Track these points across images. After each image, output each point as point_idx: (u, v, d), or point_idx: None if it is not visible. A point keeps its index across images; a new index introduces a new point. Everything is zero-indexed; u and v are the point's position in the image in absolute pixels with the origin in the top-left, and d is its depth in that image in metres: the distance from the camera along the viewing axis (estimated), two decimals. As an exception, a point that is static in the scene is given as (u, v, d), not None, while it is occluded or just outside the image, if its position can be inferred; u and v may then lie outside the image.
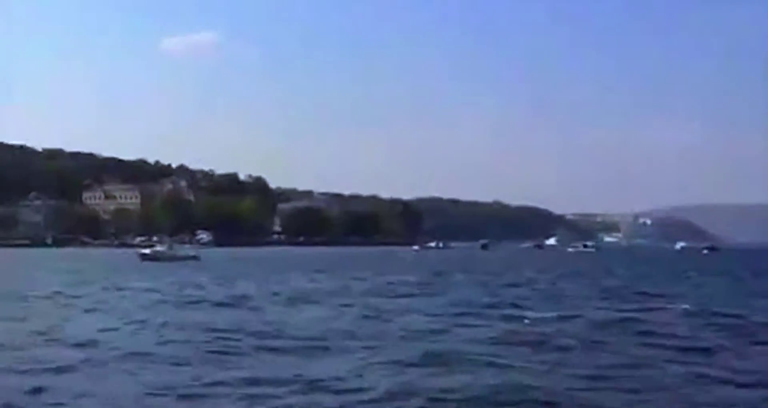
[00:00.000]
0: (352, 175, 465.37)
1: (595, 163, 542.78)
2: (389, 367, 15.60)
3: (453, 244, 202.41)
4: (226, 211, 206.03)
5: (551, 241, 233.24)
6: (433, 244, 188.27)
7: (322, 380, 14.22)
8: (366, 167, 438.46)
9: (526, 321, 24.00)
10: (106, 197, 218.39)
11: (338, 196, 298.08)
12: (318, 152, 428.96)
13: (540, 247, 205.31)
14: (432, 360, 16.27)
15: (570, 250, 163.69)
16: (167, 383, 14.12)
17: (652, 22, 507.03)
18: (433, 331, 21.52)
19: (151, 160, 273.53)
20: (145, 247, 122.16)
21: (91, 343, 19.22)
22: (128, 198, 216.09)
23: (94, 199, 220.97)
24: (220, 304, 31.03)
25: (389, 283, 46.44)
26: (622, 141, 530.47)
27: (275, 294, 36.32)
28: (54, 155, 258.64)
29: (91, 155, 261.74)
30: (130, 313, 27.40)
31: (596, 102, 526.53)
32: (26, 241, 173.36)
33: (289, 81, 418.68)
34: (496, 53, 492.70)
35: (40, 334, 20.87)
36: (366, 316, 25.59)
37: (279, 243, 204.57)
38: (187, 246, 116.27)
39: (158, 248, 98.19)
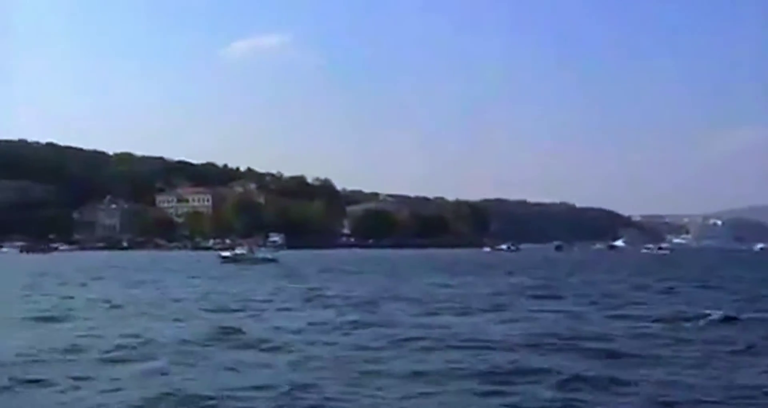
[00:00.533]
0: (418, 177, 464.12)
1: (662, 165, 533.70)
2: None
3: (522, 246, 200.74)
4: (297, 213, 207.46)
5: (619, 242, 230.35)
6: (504, 247, 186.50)
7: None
8: (431, 169, 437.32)
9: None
10: (179, 200, 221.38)
11: (405, 198, 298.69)
12: (383, 155, 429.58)
13: (613, 248, 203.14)
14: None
15: (644, 251, 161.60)
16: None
17: (715, 21, 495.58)
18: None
19: (219, 163, 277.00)
20: (220, 249, 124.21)
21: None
22: (200, 201, 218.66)
23: (167, 202, 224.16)
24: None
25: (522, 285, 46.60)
26: (690, 142, 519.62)
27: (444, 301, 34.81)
28: (125, 159, 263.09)
29: (161, 159, 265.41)
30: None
31: (663, 103, 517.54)
32: (102, 244, 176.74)
33: (353, 84, 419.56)
34: (556, 56, 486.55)
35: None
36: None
37: (348, 245, 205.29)
38: (263, 248, 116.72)
39: (238, 251, 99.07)
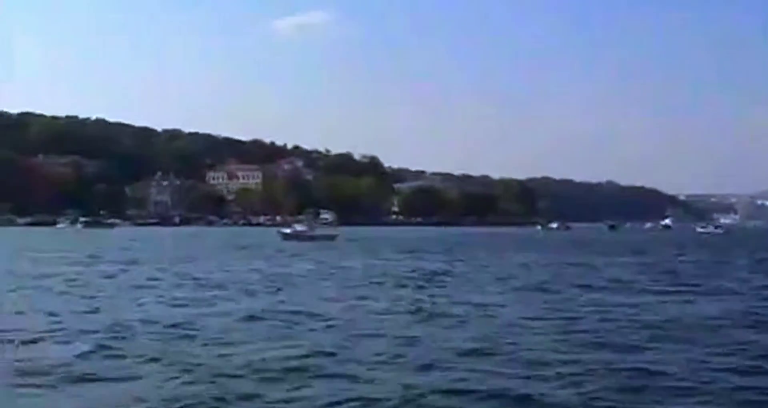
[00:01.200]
0: (463, 155, 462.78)
1: (708, 143, 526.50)
2: None
3: (571, 226, 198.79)
4: (346, 190, 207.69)
5: (666, 221, 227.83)
6: (554, 225, 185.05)
7: None
8: (477, 147, 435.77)
9: None
10: (229, 177, 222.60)
11: (449, 176, 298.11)
12: (430, 132, 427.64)
13: (667, 227, 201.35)
14: None
15: (700, 230, 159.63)
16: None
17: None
18: None
19: (266, 140, 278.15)
20: (271, 225, 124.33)
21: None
22: (250, 178, 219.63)
23: (217, 178, 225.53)
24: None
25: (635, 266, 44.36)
26: (736, 119, 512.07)
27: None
28: (174, 136, 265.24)
29: (208, 136, 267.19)
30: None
31: (709, 80, 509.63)
32: (154, 220, 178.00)
33: (399, 62, 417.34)
34: (602, 33, 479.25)
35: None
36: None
37: (396, 223, 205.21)
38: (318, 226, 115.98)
39: (298, 228, 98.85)
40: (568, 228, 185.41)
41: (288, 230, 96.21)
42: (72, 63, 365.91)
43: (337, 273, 36.25)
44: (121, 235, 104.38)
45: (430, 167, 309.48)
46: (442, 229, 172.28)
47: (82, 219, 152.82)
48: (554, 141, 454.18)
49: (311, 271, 37.78)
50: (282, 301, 23.39)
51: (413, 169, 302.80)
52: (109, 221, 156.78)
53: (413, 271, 38.14)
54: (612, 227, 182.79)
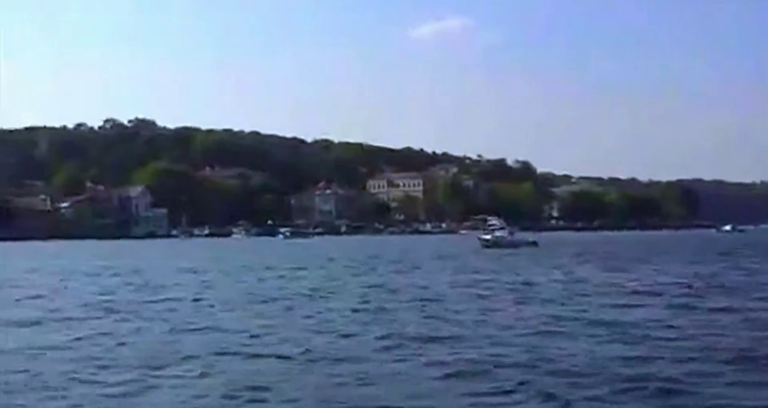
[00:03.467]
0: (609, 159, 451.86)
1: None
2: None
3: (743, 228, 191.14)
4: (507, 196, 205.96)
5: None
6: (728, 228, 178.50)
7: None
8: (623, 151, 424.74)
9: None
10: (389, 185, 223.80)
11: (599, 180, 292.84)
12: (571, 135, 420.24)
13: None
14: None
15: None
16: None
17: None
18: None
19: (416, 148, 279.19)
20: (443, 232, 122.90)
21: None
22: (411, 185, 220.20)
23: (377, 187, 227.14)
24: None
25: None
26: None
27: None
28: (325, 146, 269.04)
29: (360, 145, 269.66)
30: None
31: None
32: (321, 229, 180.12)
33: (542, 67, 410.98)
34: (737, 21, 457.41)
35: None
36: None
37: (556, 228, 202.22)
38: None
39: (498, 234, 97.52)
40: (741, 231, 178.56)
41: (488, 237, 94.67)
42: (228, 76, 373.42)
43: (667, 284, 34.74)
44: (337, 244, 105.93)
45: (575, 172, 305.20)
46: (607, 233, 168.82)
47: (282, 230, 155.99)
48: (699, 138, 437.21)
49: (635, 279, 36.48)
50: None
51: (559, 173, 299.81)
52: (307, 231, 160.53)
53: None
54: None
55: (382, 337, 17.80)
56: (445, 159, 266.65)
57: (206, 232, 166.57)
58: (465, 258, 63.02)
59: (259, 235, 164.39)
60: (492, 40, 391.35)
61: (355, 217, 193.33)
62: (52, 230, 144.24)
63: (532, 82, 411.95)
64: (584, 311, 22.89)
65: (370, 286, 33.15)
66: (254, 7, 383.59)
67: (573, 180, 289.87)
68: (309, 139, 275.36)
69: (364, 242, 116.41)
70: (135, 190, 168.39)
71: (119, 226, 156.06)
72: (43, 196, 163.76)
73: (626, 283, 33.86)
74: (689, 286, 31.76)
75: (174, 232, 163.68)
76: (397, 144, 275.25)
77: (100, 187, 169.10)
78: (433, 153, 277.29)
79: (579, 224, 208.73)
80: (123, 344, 17.21)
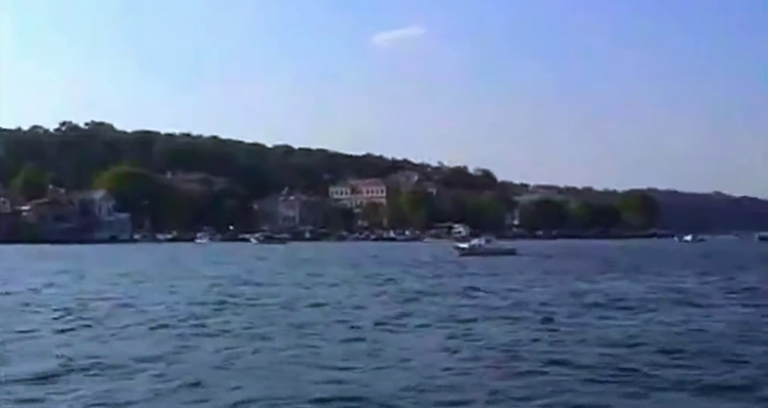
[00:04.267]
0: (564, 168, 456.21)
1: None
2: None
3: (702, 237, 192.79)
4: (470, 204, 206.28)
5: None
6: (689, 238, 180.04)
7: None
8: (578, 159, 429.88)
9: None
10: (353, 191, 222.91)
11: (556, 189, 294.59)
12: (531, 147, 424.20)
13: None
14: None
15: None
16: None
17: None
18: None
19: (376, 154, 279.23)
20: (407, 240, 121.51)
21: None
22: (375, 192, 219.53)
23: (340, 193, 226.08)
24: None
25: None
26: None
27: None
28: (287, 152, 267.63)
29: (321, 151, 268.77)
30: None
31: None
32: (287, 235, 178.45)
33: (496, 77, 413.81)
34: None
35: None
36: None
37: (517, 236, 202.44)
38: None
39: (474, 242, 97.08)
40: (702, 240, 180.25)
41: (464, 245, 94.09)
42: (180, 80, 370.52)
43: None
44: (316, 250, 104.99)
45: (532, 180, 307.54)
46: (569, 241, 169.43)
47: (255, 235, 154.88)
48: (658, 152, 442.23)
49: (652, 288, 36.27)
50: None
51: (516, 181, 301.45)
52: (281, 237, 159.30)
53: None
54: (763, 238, 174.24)
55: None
56: (406, 166, 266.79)
57: (170, 236, 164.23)
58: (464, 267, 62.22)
59: (224, 240, 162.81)
60: (452, 49, 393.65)
61: (319, 223, 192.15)
62: (12, 234, 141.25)
63: (489, 90, 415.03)
64: None
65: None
66: (217, 13, 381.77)
67: (530, 188, 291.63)
68: (269, 145, 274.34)
69: (341, 248, 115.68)
70: (97, 194, 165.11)
71: (81, 230, 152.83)
72: (2, 199, 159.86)
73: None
74: None
75: (136, 236, 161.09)
76: (357, 150, 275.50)
77: (61, 191, 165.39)
78: (393, 159, 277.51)
79: (539, 232, 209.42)
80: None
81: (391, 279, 42.99)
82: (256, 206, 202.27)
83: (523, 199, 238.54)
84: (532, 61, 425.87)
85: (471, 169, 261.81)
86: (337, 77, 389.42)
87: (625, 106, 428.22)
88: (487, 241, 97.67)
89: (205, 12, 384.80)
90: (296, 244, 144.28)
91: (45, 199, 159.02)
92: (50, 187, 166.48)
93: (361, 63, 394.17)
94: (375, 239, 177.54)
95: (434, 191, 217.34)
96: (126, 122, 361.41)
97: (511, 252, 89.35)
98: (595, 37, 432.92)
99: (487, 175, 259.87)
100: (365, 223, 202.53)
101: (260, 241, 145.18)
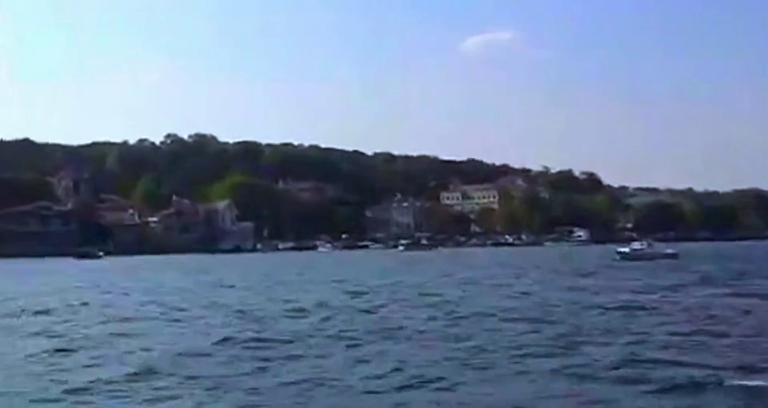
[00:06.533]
0: (662, 169, 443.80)
1: None
2: None
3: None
4: (583, 207, 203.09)
5: None
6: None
7: None
8: (679, 160, 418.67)
9: None
10: (464, 197, 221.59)
11: (657, 191, 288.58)
12: (631, 148, 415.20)
13: None
14: None
15: None
16: None
17: None
18: None
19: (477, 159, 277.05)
20: (525, 245, 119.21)
21: None
22: (486, 197, 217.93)
23: (451, 199, 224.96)
24: None
25: None
26: None
27: None
28: (387, 159, 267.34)
29: (423, 157, 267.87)
30: None
31: None
32: (405, 242, 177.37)
33: (594, 81, 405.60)
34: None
35: None
36: None
37: (631, 240, 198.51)
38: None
39: (635, 246, 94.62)
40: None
41: (626, 249, 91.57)
42: (284, 89, 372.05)
43: None
44: (470, 255, 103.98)
45: (633, 183, 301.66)
46: (690, 244, 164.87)
47: (402, 242, 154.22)
48: (748, 147, 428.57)
49: None
50: None
51: (615, 184, 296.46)
52: (425, 244, 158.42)
53: None
54: None
55: None
56: (508, 170, 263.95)
57: (290, 245, 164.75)
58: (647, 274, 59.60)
59: (345, 248, 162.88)
60: (543, 54, 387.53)
61: (434, 229, 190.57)
62: (140, 244, 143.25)
63: (583, 96, 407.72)
64: None
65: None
66: (303, 20, 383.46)
67: (629, 190, 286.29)
68: (369, 153, 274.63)
69: (492, 254, 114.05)
70: (221, 204, 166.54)
71: (205, 240, 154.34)
72: (131, 211, 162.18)
73: None
74: None
75: (258, 246, 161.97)
76: (458, 156, 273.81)
77: (186, 201, 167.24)
78: (494, 164, 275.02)
79: (656, 235, 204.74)
80: None
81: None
82: (368, 213, 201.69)
83: (637, 201, 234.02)
84: (620, 63, 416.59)
85: (576, 173, 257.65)
86: (427, 82, 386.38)
87: (715, 105, 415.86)
88: (649, 245, 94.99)
89: (287, 16, 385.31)
90: (442, 249, 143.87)
91: (171, 210, 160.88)
92: (174, 198, 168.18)
93: (449, 67, 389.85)
94: (493, 244, 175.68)
95: (546, 195, 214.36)
96: (226, 134, 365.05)
97: (674, 256, 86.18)
98: (686, 35, 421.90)
99: (592, 178, 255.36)
100: (478, 229, 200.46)
101: (406, 248, 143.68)
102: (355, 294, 37.72)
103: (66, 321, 26.84)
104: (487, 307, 29.24)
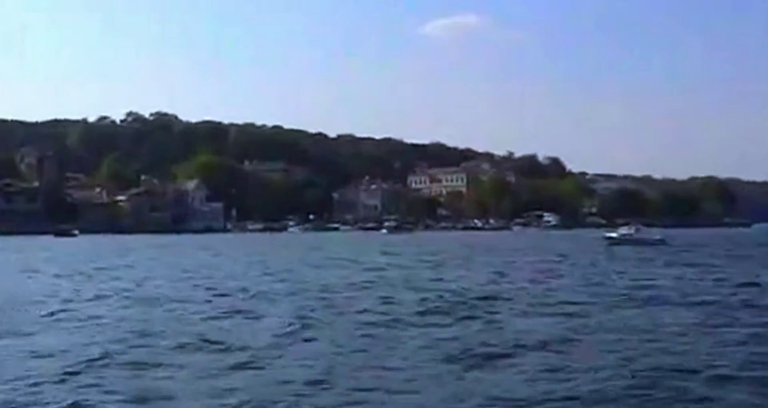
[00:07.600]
0: (624, 155, 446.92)
1: None
2: None
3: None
4: (549, 193, 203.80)
5: None
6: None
7: None
8: (640, 147, 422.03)
9: None
10: (432, 181, 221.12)
11: (613, 177, 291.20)
12: (590, 133, 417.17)
13: None
14: None
15: None
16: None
17: None
18: None
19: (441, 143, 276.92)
20: (494, 229, 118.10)
21: None
22: (454, 181, 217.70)
23: (419, 182, 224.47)
24: None
25: None
26: None
27: None
28: (352, 141, 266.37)
29: (388, 140, 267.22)
30: None
31: None
32: (372, 225, 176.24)
33: (556, 65, 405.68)
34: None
35: None
36: None
37: (596, 225, 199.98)
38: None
39: (623, 231, 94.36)
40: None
41: (614, 234, 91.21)
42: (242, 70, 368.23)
43: None
44: (446, 238, 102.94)
45: (588, 169, 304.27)
46: (663, 230, 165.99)
47: (386, 224, 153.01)
48: (716, 139, 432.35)
49: None
50: None
51: (576, 171, 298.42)
52: (405, 226, 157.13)
53: None
54: None
55: None
56: (472, 155, 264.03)
57: (260, 226, 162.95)
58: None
59: (315, 229, 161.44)
60: (509, 37, 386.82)
61: (402, 212, 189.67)
62: (110, 224, 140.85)
63: (544, 77, 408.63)
64: None
65: None
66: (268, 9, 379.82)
67: (588, 176, 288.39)
68: (332, 135, 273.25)
69: (477, 237, 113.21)
70: (190, 184, 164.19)
71: (175, 220, 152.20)
72: (98, 190, 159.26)
73: None
74: None
75: (229, 226, 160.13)
76: (422, 139, 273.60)
77: (155, 181, 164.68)
78: (457, 148, 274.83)
79: (619, 221, 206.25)
80: None
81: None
82: (336, 195, 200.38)
83: (603, 187, 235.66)
84: (587, 48, 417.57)
85: (540, 158, 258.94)
86: (387, 66, 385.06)
87: (673, 94, 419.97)
88: (637, 230, 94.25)
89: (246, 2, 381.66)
90: (420, 233, 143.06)
91: (140, 189, 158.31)
92: (142, 177, 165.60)
93: (410, 51, 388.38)
94: (463, 228, 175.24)
95: (513, 180, 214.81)
96: (185, 113, 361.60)
97: (662, 242, 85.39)
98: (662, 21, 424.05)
99: (556, 164, 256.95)
100: (446, 213, 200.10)
101: (389, 231, 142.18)
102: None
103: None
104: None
